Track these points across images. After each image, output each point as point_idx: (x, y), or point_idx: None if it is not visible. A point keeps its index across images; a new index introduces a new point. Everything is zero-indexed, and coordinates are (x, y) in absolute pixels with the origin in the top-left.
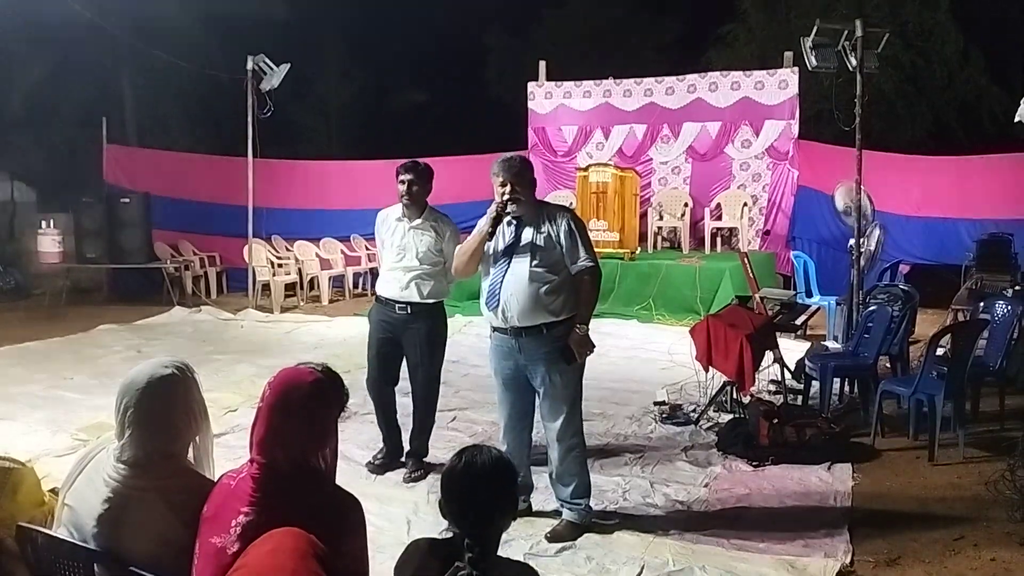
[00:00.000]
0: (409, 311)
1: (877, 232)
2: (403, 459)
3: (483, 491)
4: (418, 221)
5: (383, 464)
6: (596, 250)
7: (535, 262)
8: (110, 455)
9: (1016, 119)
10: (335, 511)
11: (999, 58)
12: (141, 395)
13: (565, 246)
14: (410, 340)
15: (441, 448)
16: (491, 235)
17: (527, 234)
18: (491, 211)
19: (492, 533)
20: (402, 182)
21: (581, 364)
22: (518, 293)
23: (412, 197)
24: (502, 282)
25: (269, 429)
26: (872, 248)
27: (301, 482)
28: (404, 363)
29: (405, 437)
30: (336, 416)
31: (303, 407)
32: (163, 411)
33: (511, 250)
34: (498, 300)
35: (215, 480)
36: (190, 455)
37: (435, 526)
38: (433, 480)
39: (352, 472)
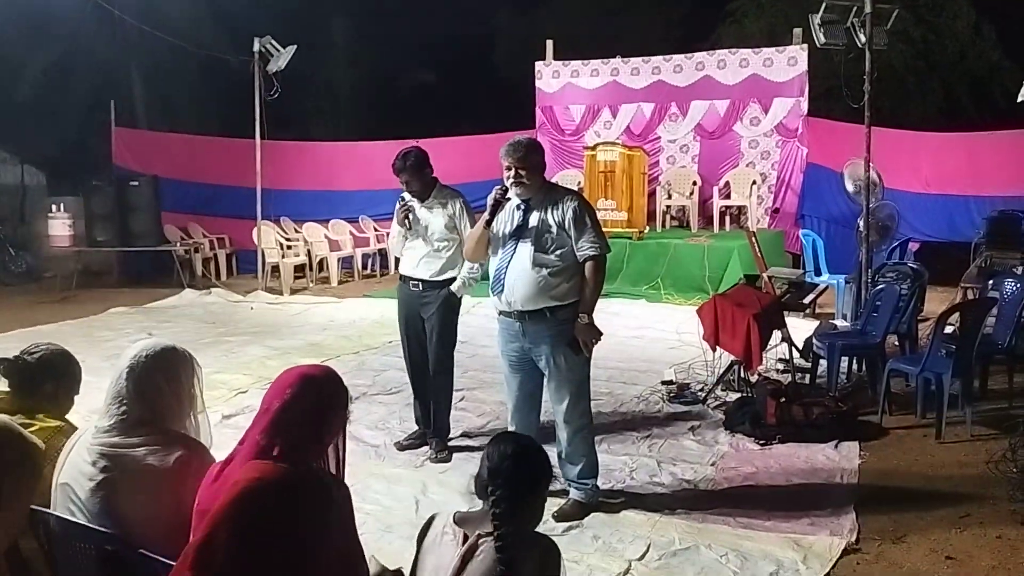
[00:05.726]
0: (422, 288)
1: (877, 207)
2: (427, 440)
3: (526, 472)
4: (427, 201)
5: (410, 446)
6: (604, 229)
7: (540, 246)
8: (93, 428)
9: (1020, 99)
10: (319, 495)
11: (1012, 33)
12: (134, 363)
13: (571, 231)
14: (427, 314)
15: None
16: (489, 223)
17: (534, 218)
18: (491, 197)
19: (526, 512)
20: (399, 179)
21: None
22: (522, 277)
23: (411, 191)
24: (507, 267)
25: (267, 425)
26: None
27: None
28: None
29: None
30: (340, 421)
31: (300, 407)
32: (152, 382)
33: (518, 233)
34: (502, 284)
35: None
36: None
37: (443, 505)
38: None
39: (361, 453)
